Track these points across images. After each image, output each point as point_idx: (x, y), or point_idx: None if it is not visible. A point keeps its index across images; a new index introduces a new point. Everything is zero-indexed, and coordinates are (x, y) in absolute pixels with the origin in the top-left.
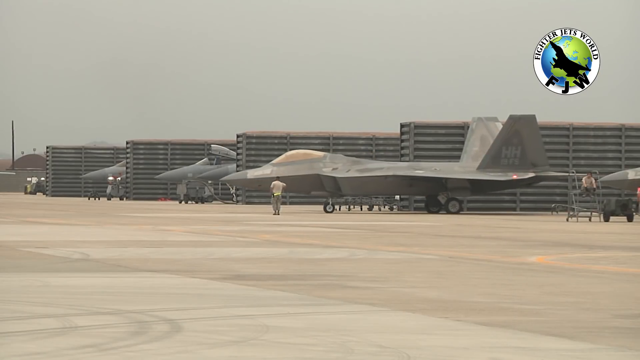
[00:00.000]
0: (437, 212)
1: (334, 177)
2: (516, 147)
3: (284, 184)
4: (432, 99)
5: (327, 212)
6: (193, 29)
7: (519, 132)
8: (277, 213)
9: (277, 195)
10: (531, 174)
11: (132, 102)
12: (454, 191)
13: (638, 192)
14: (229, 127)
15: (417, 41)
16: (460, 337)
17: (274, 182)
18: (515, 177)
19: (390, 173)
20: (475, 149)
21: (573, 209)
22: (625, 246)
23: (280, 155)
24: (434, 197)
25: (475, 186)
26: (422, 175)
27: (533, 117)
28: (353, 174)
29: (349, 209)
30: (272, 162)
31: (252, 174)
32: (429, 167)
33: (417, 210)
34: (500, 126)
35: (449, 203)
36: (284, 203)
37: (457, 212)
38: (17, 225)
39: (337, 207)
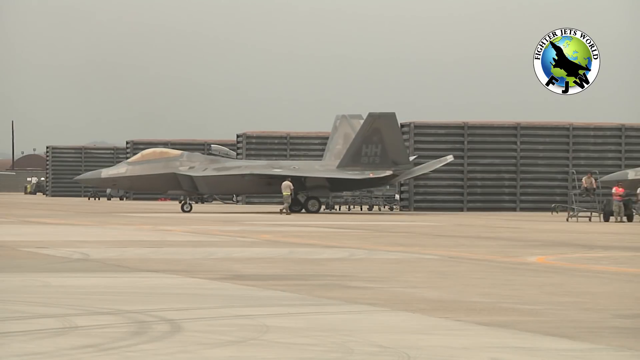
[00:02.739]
0: (298, 212)
1: (190, 176)
2: (376, 145)
3: (290, 184)
4: (432, 99)
5: (184, 211)
6: (193, 30)
7: (379, 130)
8: (282, 212)
9: (286, 195)
10: (388, 172)
11: (132, 102)
12: (312, 190)
13: (614, 191)
14: (229, 127)
15: (417, 41)
16: (460, 337)
17: (283, 182)
18: (372, 175)
19: (248, 172)
20: (339, 146)
21: (573, 209)
22: (625, 246)
23: (280, 154)
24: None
25: (334, 185)
26: (280, 174)
27: (393, 115)
28: (210, 172)
29: (349, 209)
30: (127, 160)
31: (106, 173)
32: (288, 166)
33: (418, 209)
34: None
35: (308, 202)
36: (282, 203)
37: (316, 212)
38: (17, 225)
39: (336, 207)
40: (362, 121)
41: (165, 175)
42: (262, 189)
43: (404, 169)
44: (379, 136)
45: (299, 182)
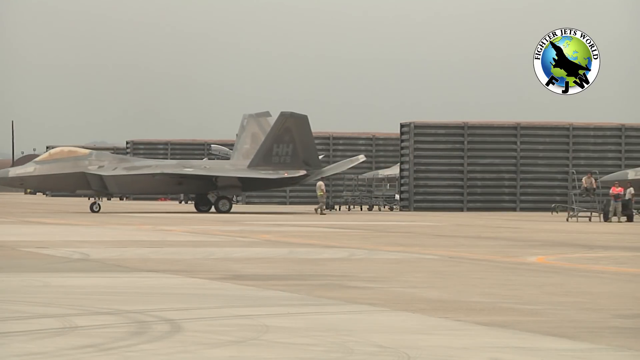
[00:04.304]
0: (207, 212)
1: (100, 176)
2: (287, 145)
3: (322, 184)
4: (432, 99)
5: (93, 211)
6: (193, 30)
7: (290, 130)
8: (317, 212)
9: (320, 195)
10: (302, 172)
11: (132, 102)
12: (224, 189)
13: (611, 192)
14: (229, 127)
15: (417, 41)
16: (460, 337)
17: (317, 183)
18: (286, 174)
19: (159, 171)
20: (247, 146)
21: (573, 209)
22: (625, 246)
23: None
24: (203, 195)
25: (247, 184)
26: (192, 173)
27: (305, 117)
28: (120, 172)
29: (349, 209)
30: (35, 159)
31: (14, 172)
32: (199, 165)
33: (417, 209)
34: (271, 121)
35: (219, 202)
36: (283, 203)
37: (227, 211)
38: (17, 225)
39: (337, 207)
40: (269, 119)
41: (74, 174)
42: (172, 189)
43: (315, 169)
44: (290, 136)
45: (209, 182)
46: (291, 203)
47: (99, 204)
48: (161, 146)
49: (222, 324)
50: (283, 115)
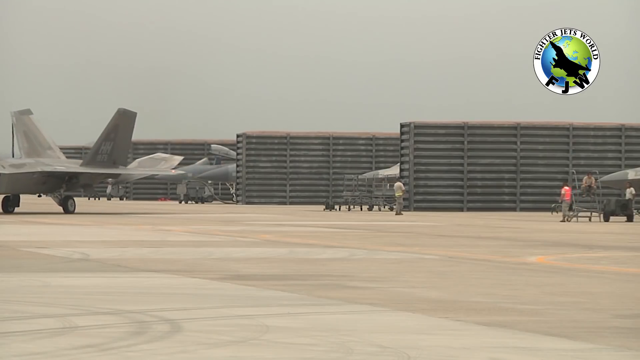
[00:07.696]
0: (12, 213)
1: None
2: (110, 143)
3: (402, 184)
4: (432, 99)
5: None
6: (192, 30)
7: (118, 127)
8: (398, 213)
9: (399, 195)
10: (174, 172)
11: (132, 102)
12: (84, 187)
13: (562, 192)
14: (229, 127)
15: (417, 41)
16: (460, 337)
17: (395, 184)
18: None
19: (39, 169)
20: (26, 144)
21: (573, 209)
22: (625, 246)
23: (280, 154)
24: (15, 195)
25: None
26: (64, 170)
27: (133, 115)
28: (10, 170)
29: (349, 209)
30: None
31: None
32: (53, 164)
33: (417, 209)
34: (33, 119)
35: (67, 201)
36: (283, 203)
37: (73, 211)
38: (17, 225)
39: (337, 207)
40: (31, 116)
41: None
42: (39, 188)
43: (122, 169)
44: (116, 133)
45: (62, 180)
46: (291, 203)
47: None
48: (161, 146)
49: (222, 324)
50: (118, 111)
